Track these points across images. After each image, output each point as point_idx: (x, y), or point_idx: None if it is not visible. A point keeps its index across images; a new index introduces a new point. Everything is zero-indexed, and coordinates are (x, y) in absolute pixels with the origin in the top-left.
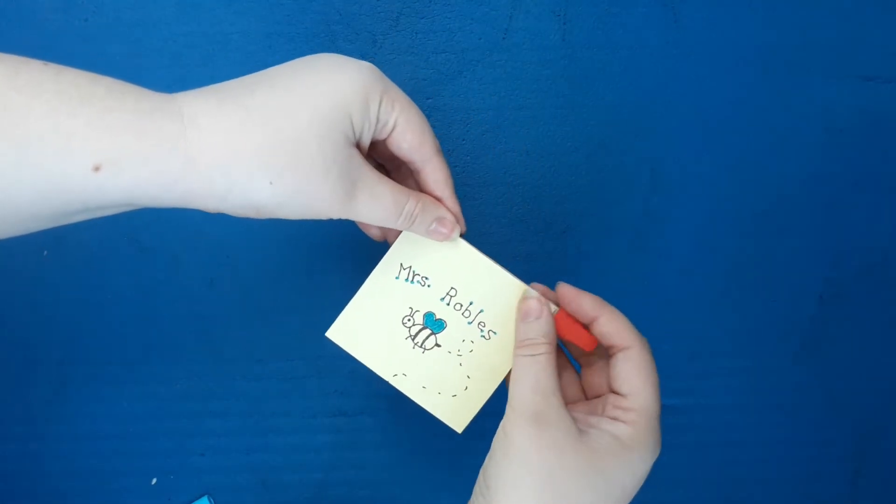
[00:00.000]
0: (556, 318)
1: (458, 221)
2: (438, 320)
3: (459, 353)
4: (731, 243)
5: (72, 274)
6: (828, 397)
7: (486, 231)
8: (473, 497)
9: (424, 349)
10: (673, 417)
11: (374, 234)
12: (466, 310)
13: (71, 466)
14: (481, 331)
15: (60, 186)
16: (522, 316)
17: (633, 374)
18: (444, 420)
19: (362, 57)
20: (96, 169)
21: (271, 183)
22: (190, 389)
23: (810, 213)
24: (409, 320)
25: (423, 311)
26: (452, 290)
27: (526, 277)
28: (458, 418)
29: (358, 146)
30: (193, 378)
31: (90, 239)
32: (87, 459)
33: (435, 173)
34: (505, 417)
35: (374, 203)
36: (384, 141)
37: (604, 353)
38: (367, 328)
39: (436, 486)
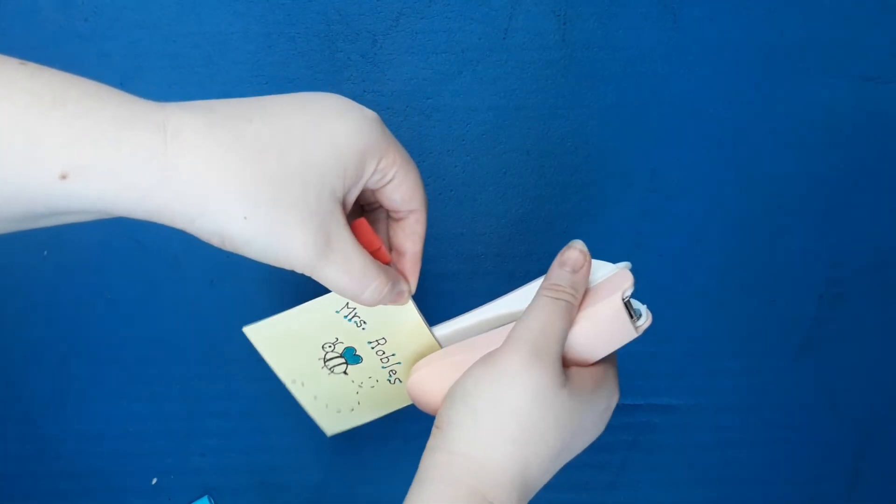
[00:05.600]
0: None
1: (412, 285)
2: (357, 356)
3: (361, 385)
4: (730, 243)
5: (72, 274)
6: (828, 397)
7: (486, 231)
8: (439, 417)
9: (332, 372)
10: (673, 417)
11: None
12: (386, 357)
13: (71, 466)
14: (390, 376)
15: (25, 192)
16: (561, 262)
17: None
18: (318, 422)
19: (362, 57)
20: (63, 177)
21: (245, 218)
22: (190, 389)
23: (810, 213)
24: (329, 347)
25: (345, 345)
26: (382, 339)
27: (526, 277)
28: (332, 425)
29: (343, 201)
30: (193, 378)
31: (90, 239)
32: (87, 459)
33: (416, 225)
34: (499, 349)
35: (343, 270)
36: (374, 190)
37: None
38: (287, 340)
39: None
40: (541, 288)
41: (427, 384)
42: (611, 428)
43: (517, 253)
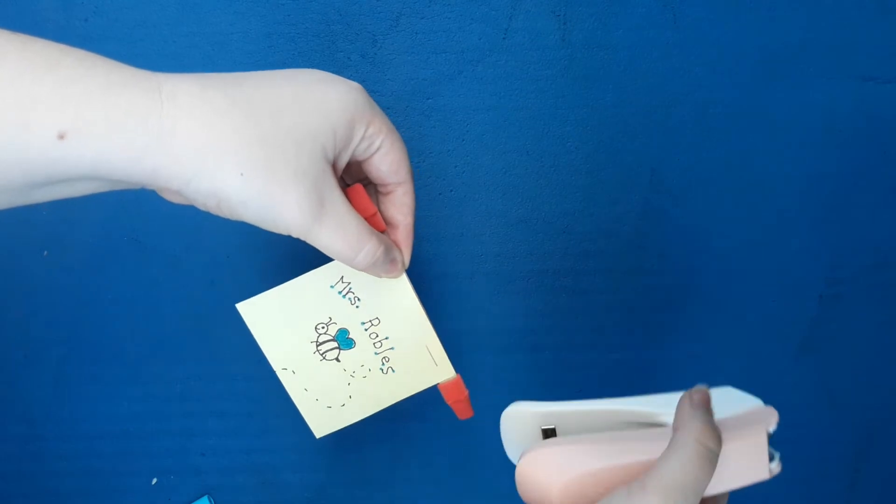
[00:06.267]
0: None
1: (406, 257)
2: (349, 339)
3: (353, 375)
4: (730, 243)
5: (72, 274)
6: (828, 397)
7: (486, 231)
8: None
9: (323, 358)
10: None
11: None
12: (379, 341)
13: (71, 466)
14: (383, 364)
15: (23, 155)
16: (696, 404)
17: None
18: (307, 420)
19: (362, 57)
20: (60, 137)
21: (241, 174)
22: (190, 389)
23: (810, 213)
24: (322, 328)
25: (339, 326)
26: (376, 320)
27: (526, 277)
28: (322, 425)
29: (333, 166)
30: (193, 378)
31: (90, 239)
32: (87, 459)
33: (405, 196)
34: (646, 491)
35: (337, 232)
36: (362, 162)
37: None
38: (280, 318)
39: (435, 486)
40: (690, 430)
41: (539, 469)
42: None
43: (517, 253)
